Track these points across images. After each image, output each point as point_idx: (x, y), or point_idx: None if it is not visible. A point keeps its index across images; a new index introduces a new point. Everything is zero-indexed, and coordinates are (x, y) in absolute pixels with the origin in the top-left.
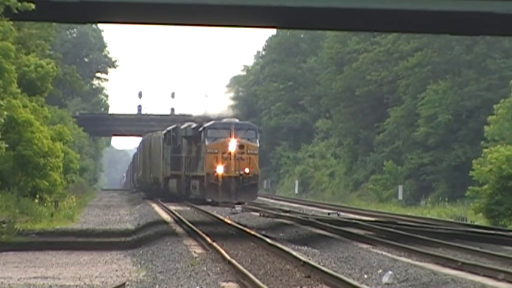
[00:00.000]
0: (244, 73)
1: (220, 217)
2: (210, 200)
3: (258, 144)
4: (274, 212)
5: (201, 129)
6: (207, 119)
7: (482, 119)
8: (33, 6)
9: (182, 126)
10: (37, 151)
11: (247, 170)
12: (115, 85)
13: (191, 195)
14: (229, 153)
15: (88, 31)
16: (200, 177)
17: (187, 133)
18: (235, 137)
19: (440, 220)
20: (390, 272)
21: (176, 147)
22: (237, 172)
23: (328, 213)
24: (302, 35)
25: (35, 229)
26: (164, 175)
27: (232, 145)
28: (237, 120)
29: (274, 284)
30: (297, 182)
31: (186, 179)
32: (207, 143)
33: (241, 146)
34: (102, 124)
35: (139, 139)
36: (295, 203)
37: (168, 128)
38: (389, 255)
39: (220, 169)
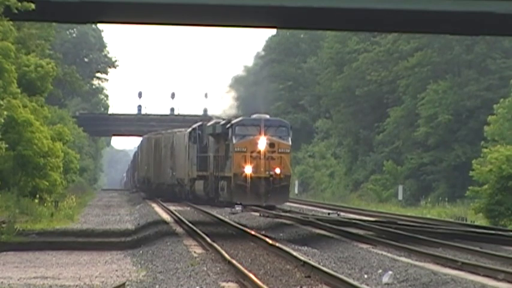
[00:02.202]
0: (244, 73)
1: (220, 217)
2: (238, 203)
3: (290, 143)
4: (274, 212)
5: (228, 126)
6: (236, 115)
7: (482, 119)
8: (33, 6)
9: (209, 123)
10: (37, 151)
11: (278, 171)
12: (115, 85)
13: (220, 198)
14: (259, 152)
15: (88, 31)
16: (228, 178)
17: (216, 130)
18: (265, 135)
19: (440, 220)
20: (390, 272)
21: (203, 146)
22: (267, 173)
23: (328, 213)
24: (302, 35)
25: (35, 229)
26: (190, 176)
27: (262, 143)
28: (267, 116)
29: (274, 284)
30: (296, 182)
31: (215, 180)
32: (234, 141)
33: (271, 144)
34: (102, 124)
35: (139, 139)
36: (295, 203)
37: (194, 126)
38: (389, 255)
39: (248, 169)
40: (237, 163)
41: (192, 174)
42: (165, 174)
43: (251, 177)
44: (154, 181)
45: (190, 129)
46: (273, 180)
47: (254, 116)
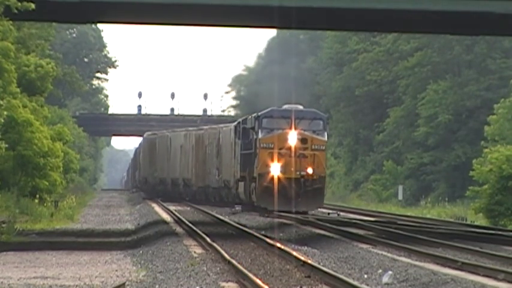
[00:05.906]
0: (245, 73)
1: (220, 217)
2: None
3: (326, 138)
4: (274, 212)
5: (255, 118)
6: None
7: (482, 119)
8: (33, 6)
9: (250, 116)
10: (37, 151)
11: (310, 171)
12: (115, 85)
13: (255, 202)
14: (288, 149)
15: (88, 31)
16: (255, 179)
17: (252, 124)
18: (296, 128)
19: (440, 220)
20: (390, 272)
21: (247, 142)
22: (298, 173)
23: (328, 213)
24: (302, 36)
25: (35, 229)
26: (235, 177)
27: (292, 138)
28: (300, 107)
29: (274, 284)
30: None
31: (249, 182)
32: (260, 135)
33: (303, 140)
34: (102, 124)
35: (139, 139)
36: None
37: (239, 119)
38: (389, 255)
39: (275, 169)
40: (262, 161)
41: (237, 174)
42: (210, 176)
43: (279, 178)
44: (195, 184)
45: (236, 122)
46: (305, 181)
47: (285, 106)
